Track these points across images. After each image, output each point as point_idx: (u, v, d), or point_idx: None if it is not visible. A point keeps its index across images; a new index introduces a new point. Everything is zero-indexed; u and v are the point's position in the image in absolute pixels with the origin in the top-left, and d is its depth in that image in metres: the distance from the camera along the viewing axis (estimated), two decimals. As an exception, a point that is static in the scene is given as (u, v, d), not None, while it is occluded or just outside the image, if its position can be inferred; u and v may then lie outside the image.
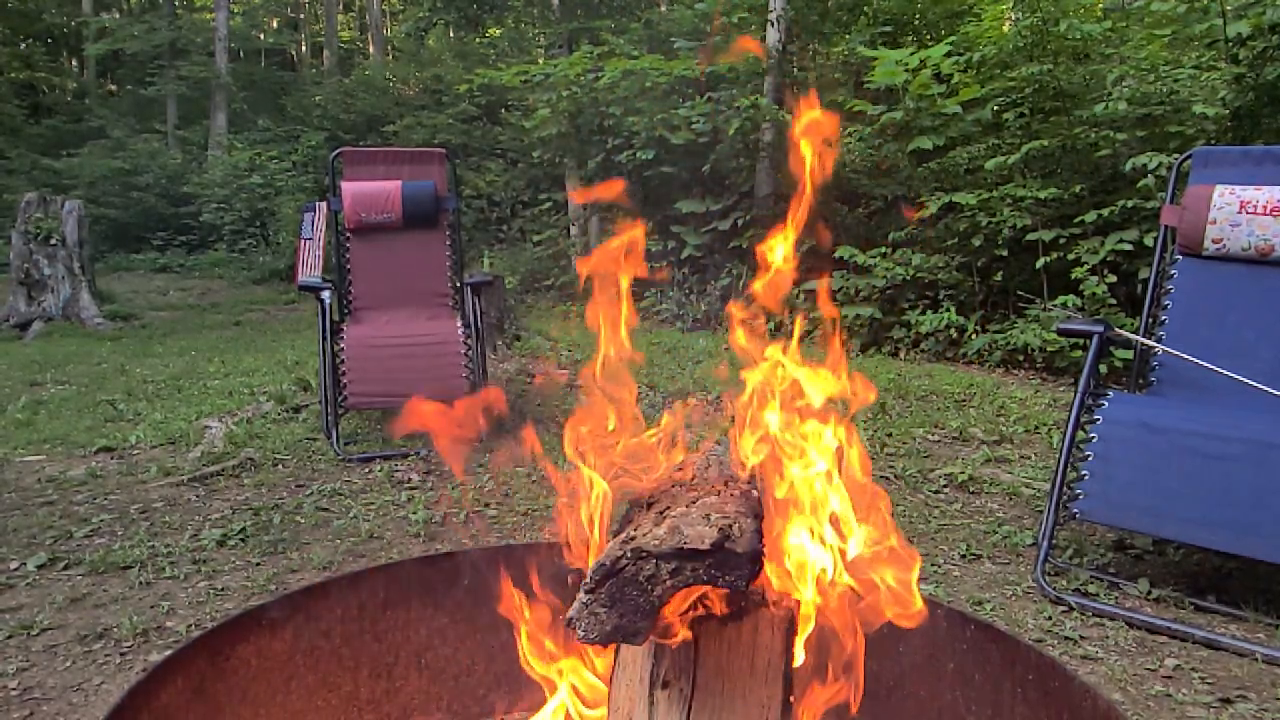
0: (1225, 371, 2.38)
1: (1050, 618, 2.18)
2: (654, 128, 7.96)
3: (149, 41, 15.96)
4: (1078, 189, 5.50)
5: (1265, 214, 2.59)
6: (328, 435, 3.50)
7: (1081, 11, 6.61)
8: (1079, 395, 2.44)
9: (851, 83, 7.71)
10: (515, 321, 5.98)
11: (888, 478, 3.23)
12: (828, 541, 1.10)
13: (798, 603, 1.07)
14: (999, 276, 5.94)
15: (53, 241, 7.11)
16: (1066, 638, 2.08)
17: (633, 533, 1.00)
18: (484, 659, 1.61)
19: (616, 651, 1.15)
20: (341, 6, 22.24)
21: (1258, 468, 2.14)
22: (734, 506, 1.05)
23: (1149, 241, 4.88)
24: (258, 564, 2.45)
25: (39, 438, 3.70)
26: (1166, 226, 2.79)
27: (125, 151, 13.93)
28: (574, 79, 8.56)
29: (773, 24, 7.64)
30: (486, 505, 2.93)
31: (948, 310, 5.75)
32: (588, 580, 0.95)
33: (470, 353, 3.60)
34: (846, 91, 7.60)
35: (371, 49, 19.47)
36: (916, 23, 8.47)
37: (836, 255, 6.34)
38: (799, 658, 1.08)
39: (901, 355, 5.84)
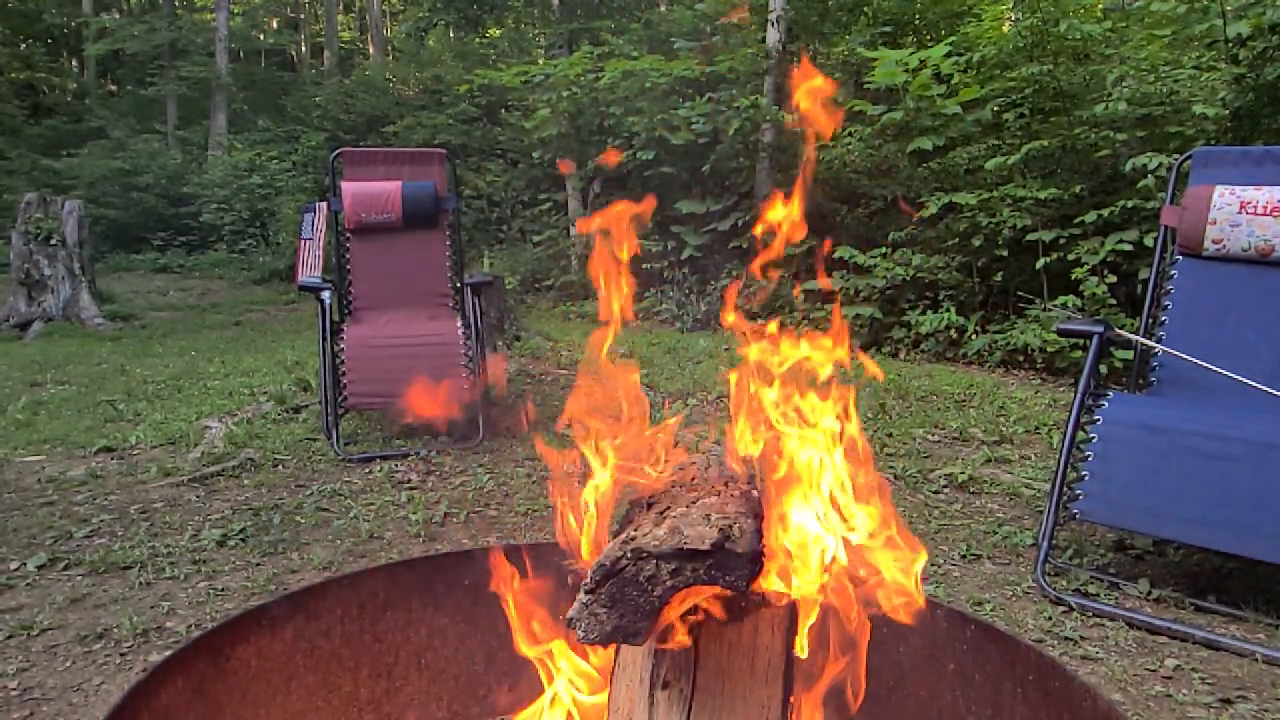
0: (1225, 372, 2.38)
1: (1050, 618, 2.18)
2: (654, 128, 7.97)
3: (149, 42, 15.97)
4: (1078, 189, 5.51)
5: (1265, 214, 2.59)
6: (328, 435, 3.50)
7: (1081, 12, 6.61)
8: (1079, 395, 2.44)
9: (851, 83, 7.71)
10: (515, 322, 5.98)
11: (888, 478, 3.23)
12: (829, 522, 1.07)
13: (799, 592, 1.04)
14: (999, 277, 5.94)
15: (53, 242, 7.11)
16: (1067, 638, 2.08)
17: (633, 533, 1.00)
18: (484, 659, 1.61)
19: (616, 652, 1.15)
20: (341, 7, 22.26)
21: (1258, 468, 2.14)
22: (734, 507, 1.05)
23: (1149, 242, 4.88)
24: (258, 564, 2.45)
25: (39, 438, 3.70)
26: (1166, 227, 2.79)
27: (125, 152, 13.92)
28: (574, 79, 8.57)
29: (773, 24, 7.64)
30: (486, 505, 2.93)
31: (948, 310, 5.75)
32: (588, 580, 0.95)
33: (470, 353, 3.60)
34: (847, 91, 7.60)
35: (371, 49, 19.48)
36: (916, 23, 8.47)
37: (836, 255, 6.34)
38: (803, 649, 1.06)
39: (901, 355, 5.84)
